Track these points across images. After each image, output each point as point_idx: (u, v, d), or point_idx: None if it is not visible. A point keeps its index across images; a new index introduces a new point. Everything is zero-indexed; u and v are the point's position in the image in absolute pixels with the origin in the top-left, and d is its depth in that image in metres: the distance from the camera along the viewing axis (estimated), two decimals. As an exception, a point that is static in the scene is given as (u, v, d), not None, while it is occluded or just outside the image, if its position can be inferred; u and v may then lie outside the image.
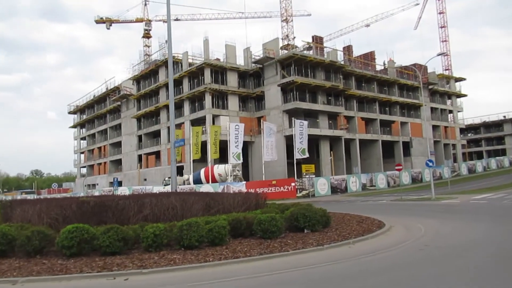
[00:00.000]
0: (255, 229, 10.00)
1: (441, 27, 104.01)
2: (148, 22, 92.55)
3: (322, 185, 40.70)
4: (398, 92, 60.30)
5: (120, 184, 62.01)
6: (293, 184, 38.66)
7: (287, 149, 47.66)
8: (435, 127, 65.46)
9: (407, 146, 59.80)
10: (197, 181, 42.62)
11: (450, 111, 70.39)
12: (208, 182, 41.36)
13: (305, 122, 40.97)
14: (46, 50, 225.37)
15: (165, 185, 43.72)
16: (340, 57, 53.59)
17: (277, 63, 47.37)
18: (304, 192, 39.13)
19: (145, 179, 57.69)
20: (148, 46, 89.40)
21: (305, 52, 49.55)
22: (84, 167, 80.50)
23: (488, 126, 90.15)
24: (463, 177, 55.69)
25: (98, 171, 73.69)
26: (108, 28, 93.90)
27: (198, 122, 49.15)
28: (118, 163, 67.66)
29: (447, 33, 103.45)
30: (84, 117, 79.21)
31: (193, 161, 47.83)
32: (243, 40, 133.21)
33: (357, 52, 67.43)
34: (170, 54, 17.46)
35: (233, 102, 49.29)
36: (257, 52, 50.86)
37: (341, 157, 50.82)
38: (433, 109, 66.08)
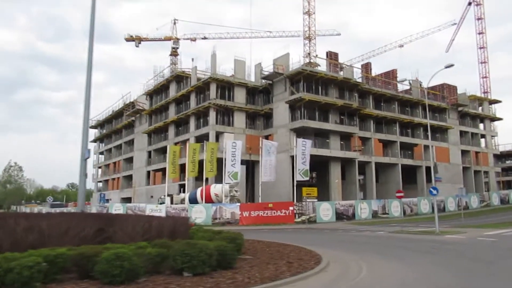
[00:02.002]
0: (97, 271, 7.35)
1: (480, 48, 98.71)
2: (176, 40, 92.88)
3: (325, 211, 37.28)
4: (422, 114, 56.02)
5: (130, 200, 60.87)
6: (291, 208, 35.54)
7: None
8: (464, 152, 60.40)
9: (430, 171, 55.20)
10: (193, 200, 40.27)
11: (483, 136, 64.98)
12: (204, 202, 38.93)
13: (309, 141, 37.95)
14: (94, 69, 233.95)
15: (160, 203, 41.68)
16: (357, 75, 50.52)
17: (286, 79, 44.88)
18: (303, 217, 35.80)
19: (152, 196, 55.96)
20: (175, 64, 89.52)
21: (319, 68, 46.91)
22: (101, 181, 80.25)
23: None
24: (493, 207, 50.41)
25: (112, 186, 73.02)
26: (137, 46, 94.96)
27: (203, 139, 47.02)
28: (129, 179, 66.60)
29: (487, 55, 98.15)
30: (104, 131, 79.36)
31: (196, 179, 45.79)
32: (267, 57, 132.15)
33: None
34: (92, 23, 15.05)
35: (239, 119, 47.01)
36: (269, 68, 48.59)
37: (354, 181, 47.19)
38: (462, 133, 61.13)
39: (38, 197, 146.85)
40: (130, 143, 67.05)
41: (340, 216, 38.12)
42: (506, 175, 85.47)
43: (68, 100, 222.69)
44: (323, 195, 45.67)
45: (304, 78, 43.47)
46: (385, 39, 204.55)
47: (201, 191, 40.32)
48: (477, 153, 62.45)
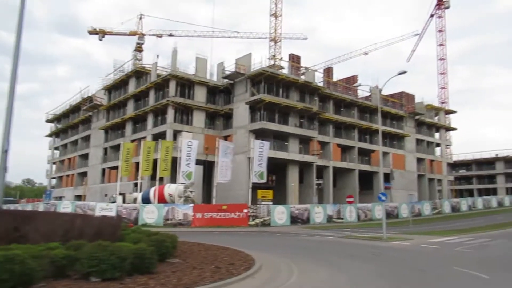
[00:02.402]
0: None
1: (440, 59, 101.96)
2: (141, 36, 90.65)
3: (280, 214, 37.03)
4: (381, 120, 56.98)
5: (84, 198, 58.57)
6: (245, 210, 35.04)
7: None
8: (419, 160, 61.99)
9: (387, 178, 56.31)
10: (146, 200, 39.05)
11: (438, 145, 66.97)
12: (157, 202, 37.82)
13: (266, 143, 37.66)
14: (58, 63, 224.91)
15: (112, 202, 40.23)
16: (319, 79, 50.84)
17: (247, 80, 44.46)
18: (258, 220, 35.41)
19: (106, 195, 54.09)
20: (139, 60, 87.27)
21: (283, 71, 46.76)
22: (54, 178, 77.13)
23: (480, 163, 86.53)
24: (444, 215, 51.73)
25: (66, 183, 70.28)
26: (101, 40, 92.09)
27: (161, 137, 45.83)
28: (84, 176, 64.25)
29: (446, 66, 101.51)
30: (60, 126, 76.31)
31: (152, 178, 44.56)
32: (232, 58, 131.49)
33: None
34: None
35: (199, 118, 46.16)
36: (232, 68, 48.00)
37: (311, 184, 47.31)
38: (418, 141, 62.73)
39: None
40: (87, 139, 64.75)
41: (295, 219, 37.96)
42: (458, 184, 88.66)
43: (29, 93, 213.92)
44: (281, 199, 45.54)
45: (265, 79, 43.21)
46: (352, 47, 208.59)
47: (155, 190, 39.19)
48: (431, 161, 64.24)
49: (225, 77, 46.30)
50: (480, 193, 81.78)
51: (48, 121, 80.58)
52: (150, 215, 34.82)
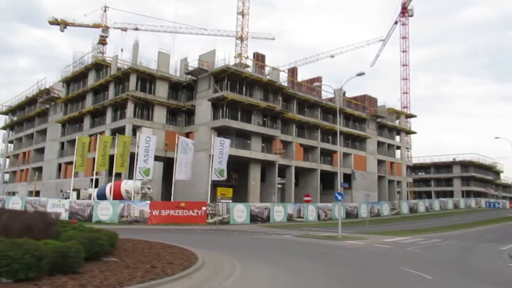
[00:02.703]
0: None
1: (403, 65, 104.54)
2: (106, 28, 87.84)
3: (239, 212, 36.60)
4: (344, 122, 57.68)
5: (38, 194, 56.02)
6: (204, 208, 34.38)
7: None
8: (380, 162, 63.11)
9: (349, 178, 57.01)
10: (102, 196, 37.72)
11: (398, 147, 68.47)
12: (113, 198, 36.55)
13: (227, 141, 37.15)
14: (19, 54, 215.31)
15: (65, 198, 38.62)
16: (284, 79, 50.77)
17: (211, 77, 43.78)
18: (216, 218, 34.83)
19: (61, 190, 51.96)
20: (103, 53, 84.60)
21: (248, 69, 46.37)
22: (8, 172, 73.60)
23: (438, 167, 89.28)
24: (402, 216, 52.87)
25: (20, 178, 67.16)
26: (62, 31, 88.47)
27: (120, 132, 44.41)
28: (39, 171, 61.54)
29: (408, 72, 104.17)
30: (15, 118, 72.84)
31: (110, 174, 43.12)
32: (196, 55, 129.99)
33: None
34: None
35: (160, 114, 45.05)
36: (196, 64, 47.07)
37: (273, 183, 47.14)
38: (380, 143, 63.88)
39: None
40: (43, 132, 62.06)
41: (255, 218, 37.64)
42: (418, 186, 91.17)
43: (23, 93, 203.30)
44: (244, 197, 45.12)
45: (229, 76, 42.67)
46: (319, 50, 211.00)
47: (111, 187, 37.92)
48: (392, 163, 65.57)
49: (188, 73, 45.43)
50: (437, 195, 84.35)
51: (2, 113, 76.73)
52: (105, 212, 33.56)
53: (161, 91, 45.25)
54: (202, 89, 44.98)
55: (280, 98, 48.01)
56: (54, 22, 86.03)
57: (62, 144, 55.30)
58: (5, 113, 76.40)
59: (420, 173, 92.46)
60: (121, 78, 44.89)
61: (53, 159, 56.31)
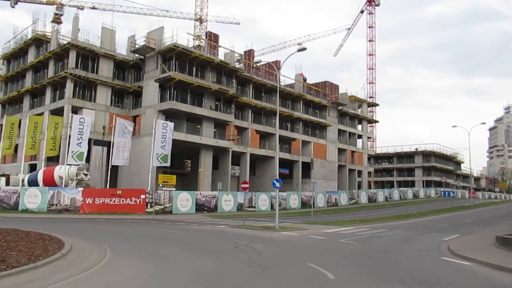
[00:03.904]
0: None
1: (369, 55, 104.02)
2: (60, 6, 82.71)
3: (184, 201, 34.25)
4: (303, 109, 55.89)
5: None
6: (142, 196, 31.84)
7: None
8: (341, 151, 61.84)
9: (308, 167, 55.48)
10: (33, 183, 34.58)
11: (360, 136, 67.37)
12: (47, 185, 33.47)
13: (170, 124, 34.58)
14: None
15: (-8, 184, 35.30)
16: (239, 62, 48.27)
17: (158, 56, 40.86)
18: (158, 207, 32.36)
19: (-1, 177, 48.11)
20: (58, 32, 79.60)
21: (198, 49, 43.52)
22: None
23: (401, 156, 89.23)
24: (360, 205, 51.83)
25: (-41, 163, 62.32)
26: (13, 7, 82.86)
27: (60, 114, 41.08)
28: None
29: (375, 62, 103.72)
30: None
31: (48, 159, 39.80)
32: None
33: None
34: None
35: (103, 95, 41.84)
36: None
37: (226, 171, 44.92)
38: (340, 132, 62.54)
39: None
40: (-17, 114, 57.52)
41: (201, 207, 35.41)
42: (381, 176, 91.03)
43: None
44: (195, 185, 42.81)
45: (177, 56, 39.87)
46: (288, 38, 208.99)
47: (45, 172, 34.82)
48: (353, 152, 64.45)
49: (134, 51, 42.30)
50: (400, 185, 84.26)
51: None
52: (32, 199, 30.61)
53: (105, 70, 42.01)
54: (149, 69, 42.04)
55: (234, 82, 45.60)
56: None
57: (1, 126, 51.15)
58: None
59: (383, 163, 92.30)
60: (61, 55, 41.38)
61: (-8, 143, 52.11)
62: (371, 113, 78.15)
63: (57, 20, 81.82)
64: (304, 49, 22.08)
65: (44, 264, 8.19)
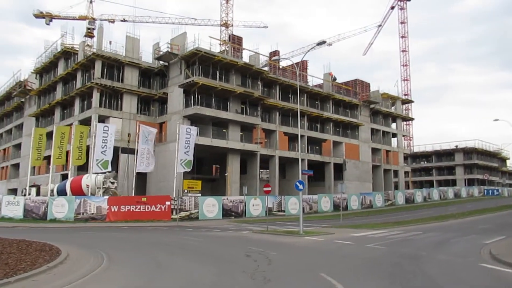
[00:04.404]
0: None
1: (403, 51, 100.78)
2: (92, 20, 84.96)
3: (210, 207, 33.52)
4: (333, 109, 54.22)
5: (16, 192, 53.57)
6: (168, 203, 31.35)
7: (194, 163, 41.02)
8: (375, 150, 59.59)
9: (340, 168, 53.64)
10: (62, 192, 34.99)
11: (394, 135, 64.76)
12: (75, 194, 33.71)
13: (194, 129, 34.05)
14: (23, 53, 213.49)
15: (23, 195, 35.98)
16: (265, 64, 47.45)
17: (182, 61, 40.61)
18: (184, 214, 31.83)
19: (25, 189, 49.33)
20: (90, 46, 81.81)
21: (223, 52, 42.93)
22: (-10, 170, 71.32)
23: (440, 155, 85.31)
24: (396, 207, 49.45)
25: (1, 176, 64.79)
26: (48, 24, 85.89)
27: (88, 123, 41.60)
28: (18, 167, 59.09)
29: (408, 58, 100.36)
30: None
31: (78, 168, 40.40)
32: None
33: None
34: None
35: (130, 103, 42.05)
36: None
37: (255, 175, 43.98)
38: (374, 131, 60.31)
39: None
40: (20, 127, 59.55)
41: (228, 213, 34.56)
42: (419, 175, 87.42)
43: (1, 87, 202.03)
44: (224, 191, 42.13)
45: (200, 60, 39.45)
46: (318, 39, 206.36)
47: (73, 181, 35.14)
48: (387, 151, 61.99)
49: (158, 58, 42.29)
50: (440, 184, 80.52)
51: (-16, 109, 74.37)
52: (60, 209, 30.79)
53: (131, 78, 42.22)
54: (173, 76, 41.87)
55: (259, 84, 44.71)
56: (39, 15, 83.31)
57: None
58: (-13, 109, 74.05)
59: (421, 162, 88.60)
60: (87, 66, 41.95)
61: (29, 155, 53.60)
62: (406, 111, 75.33)
63: (89, 34, 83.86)
64: (324, 42, 20.86)
65: (19, 280, 7.46)
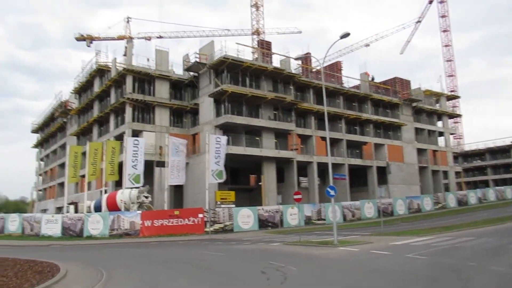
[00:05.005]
0: None
1: (445, 46, 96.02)
2: (130, 39, 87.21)
3: (245, 218, 32.33)
4: (372, 110, 51.73)
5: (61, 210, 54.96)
6: (200, 215, 30.44)
7: (229, 173, 40.14)
8: (420, 151, 56.21)
9: (383, 172, 50.81)
10: (98, 209, 35.01)
11: (441, 133, 60.95)
12: (111, 210, 33.64)
13: (224, 138, 33.07)
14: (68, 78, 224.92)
15: (62, 213, 36.43)
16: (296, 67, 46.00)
17: (210, 70, 40.01)
18: (218, 226, 30.83)
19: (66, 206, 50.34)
20: (115, 60, 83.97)
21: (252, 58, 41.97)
22: (41, 190, 74.21)
23: (494, 152, 79.60)
24: (447, 210, 46.02)
25: (49, 195, 67.10)
26: (89, 46, 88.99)
27: (122, 139, 41.84)
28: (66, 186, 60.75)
29: (452, 53, 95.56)
30: (43, 136, 73.35)
31: (117, 183, 40.54)
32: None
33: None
34: None
35: (162, 116, 41.89)
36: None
37: (292, 183, 42.39)
38: (418, 130, 56.99)
39: (1, 209, 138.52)
40: (64, 147, 61.28)
41: (264, 223, 33.20)
42: (472, 175, 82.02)
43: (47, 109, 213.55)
44: (261, 200, 40.87)
45: (229, 68, 38.66)
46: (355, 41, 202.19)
47: (107, 198, 35.14)
48: (434, 151, 58.35)
49: (187, 69, 41.95)
50: (496, 184, 74.91)
51: (33, 131, 77.76)
52: (95, 225, 30.68)
53: (162, 91, 42.13)
54: (203, 85, 41.35)
55: (292, 88, 43.29)
56: (81, 38, 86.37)
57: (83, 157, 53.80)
58: (36, 131, 77.34)
59: (474, 161, 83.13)
60: (119, 82, 42.30)
61: (71, 173, 54.97)
62: (453, 109, 71.04)
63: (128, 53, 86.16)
64: (348, 34, 19.22)
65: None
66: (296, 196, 23.07)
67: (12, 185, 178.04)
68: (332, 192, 19.40)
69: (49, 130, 67.23)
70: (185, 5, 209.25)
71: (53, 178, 65.95)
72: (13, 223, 35.06)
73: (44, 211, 65.87)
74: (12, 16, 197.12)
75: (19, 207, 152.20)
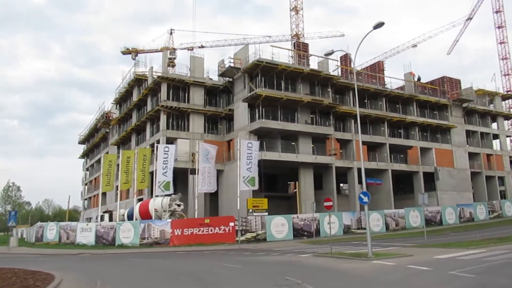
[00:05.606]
0: None
1: (500, 43, 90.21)
2: (173, 50, 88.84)
3: (278, 226, 30.78)
4: (418, 111, 48.61)
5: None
6: (231, 224, 29.21)
7: (266, 180, 38.92)
8: (473, 155, 52.16)
9: (431, 178, 47.44)
10: (131, 217, 34.78)
11: (496, 136, 56.39)
12: (144, 218, 33.24)
13: (255, 143, 31.78)
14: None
15: (97, 221, 36.50)
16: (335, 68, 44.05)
17: (245, 75, 39.03)
18: (250, 235, 29.48)
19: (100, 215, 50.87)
20: (152, 69, 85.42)
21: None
22: (86, 199, 76.30)
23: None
24: (504, 219, 42.06)
25: (94, 204, 68.67)
26: (134, 59, 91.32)
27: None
28: (107, 195, 61.91)
29: (508, 50, 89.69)
30: (88, 146, 75.56)
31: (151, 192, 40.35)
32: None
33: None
34: None
35: (197, 123, 41.33)
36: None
37: (331, 190, 40.33)
38: (469, 133, 52.99)
39: (55, 218, 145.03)
40: (106, 156, 62.65)
41: (299, 232, 31.49)
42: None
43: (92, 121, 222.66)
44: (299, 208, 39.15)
45: (263, 71, 37.47)
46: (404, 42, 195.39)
47: (141, 206, 34.83)
48: (489, 156, 53.99)
49: (221, 75, 41.24)
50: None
51: (80, 142, 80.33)
52: (126, 234, 30.31)
53: (197, 98, 41.62)
54: (238, 91, 40.41)
55: (330, 91, 41.39)
56: (126, 52, 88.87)
57: (118, 166, 54.48)
58: (82, 142, 79.84)
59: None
60: (155, 90, 42.29)
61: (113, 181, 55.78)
62: (509, 109, 65.97)
63: (171, 63, 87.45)
64: (382, 23, 17.44)
65: None
66: (326, 203, 21.30)
67: (66, 195, 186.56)
68: (365, 199, 17.56)
69: (93, 141, 68.99)
70: (231, 18, 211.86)
71: (96, 187, 67.43)
72: (51, 231, 35.42)
73: (89, 219, 67.40)
74: (70, 37, 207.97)
75: (71, 215, 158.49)
